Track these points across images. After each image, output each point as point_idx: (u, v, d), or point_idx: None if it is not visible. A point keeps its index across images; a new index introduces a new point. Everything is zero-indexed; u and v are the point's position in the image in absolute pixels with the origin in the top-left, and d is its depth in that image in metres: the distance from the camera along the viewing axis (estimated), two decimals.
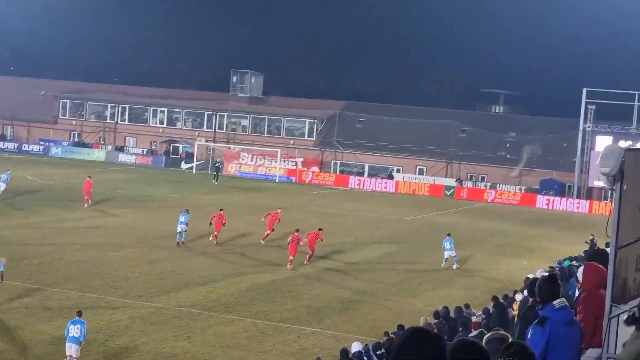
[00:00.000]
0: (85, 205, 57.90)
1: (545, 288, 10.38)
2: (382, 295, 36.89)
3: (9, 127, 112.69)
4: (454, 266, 44.86)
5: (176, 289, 35.15)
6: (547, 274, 30.99)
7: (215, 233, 47.32)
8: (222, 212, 48.44)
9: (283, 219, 50.72)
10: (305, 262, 42.91)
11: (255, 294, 35.39)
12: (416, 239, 54.36)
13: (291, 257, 41.96)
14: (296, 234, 43.35)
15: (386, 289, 38.25)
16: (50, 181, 72.80)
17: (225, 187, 77.42)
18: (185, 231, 46.93)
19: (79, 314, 25.83)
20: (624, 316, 10.60)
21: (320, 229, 44.98)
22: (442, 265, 44.76)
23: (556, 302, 10.06)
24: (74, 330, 24.85)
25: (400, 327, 26.07)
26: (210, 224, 47.73)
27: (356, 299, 35.87)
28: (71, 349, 24.71)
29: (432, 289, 39.05)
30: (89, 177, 60.26)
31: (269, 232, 48.66)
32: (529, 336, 10.07)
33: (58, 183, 71.92)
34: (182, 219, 47.24)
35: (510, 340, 12.54)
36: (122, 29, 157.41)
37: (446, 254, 44.70)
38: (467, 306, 29.30)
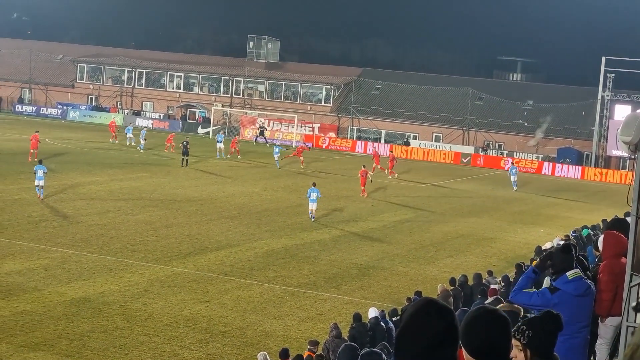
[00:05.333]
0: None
1: (558, 259, 10.31)
2: (398, 262, 36.97)
3: (27, 90, 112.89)
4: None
5: (193, 253, 35.33)
6: (562, 242, 31.02)
7: (362, 188, 56.37)
8: (365, 168, 57.87)
9: (300, 184, 50.80)
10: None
11: (272, 259, 35.52)
12: (432, 206, 54.35)
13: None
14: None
15: (402, 256, 38.31)
16: (68, 144, 73.03)
17: (242, 154, 77.46)
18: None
19: (314, 184, 46.51)
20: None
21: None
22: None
23: (569, 274, 10.00)
24: (314, 195, 44.73)
25: (417, 293, 26.15)
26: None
27: (373, 265, 35.96)
28: (313, 205, 44.91)
29: (448, 256, 39.10)
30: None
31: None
32: (536, 293, 10.05)
33: (76, 147, 72.16)
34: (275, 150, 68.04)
35: (521, 314, 12.56)
36: None
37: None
38: (490, 273, 29.29)
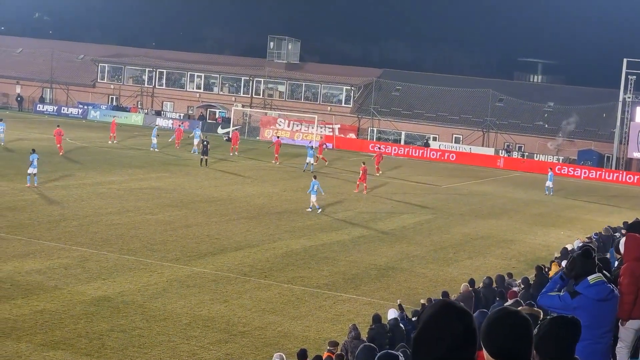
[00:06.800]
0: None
1: (580, 263, 10.22)
2: (417, 263, 36.90)
3: (49, 90, 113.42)
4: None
5: (212, 253, 35.36)
6: (582, 245, 30.92)
7: (364, 184, 57.30)
8: (364, 165, 58.28)
9: (320, 184, 51.00)
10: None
11: (291, 259, 35.51)
12: (451, 208, 54.24)
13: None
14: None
15: (421, 257, 38.25)
16: (89, 144, 73.29)
17: (261, 153, 77.59)
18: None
19: (315, 177, 49.42)
20: None
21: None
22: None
23: (591, 278, 9.89)
24: (315, 188, 47.04)
25: (445, 293, 25.93)
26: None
27: (392, 266, 35.91)
28: (314, 198, 47.18)
29: (467, 258, 39.00)
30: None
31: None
32: (558, 296, 9.97)
33: (96, 146, 72.45)
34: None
35: (541, 317, 12.47)
36: None
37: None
38: (510, 275, 29.19)
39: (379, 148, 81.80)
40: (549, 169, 69.04)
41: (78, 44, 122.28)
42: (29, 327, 23.90)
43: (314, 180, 48.48)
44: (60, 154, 62.46)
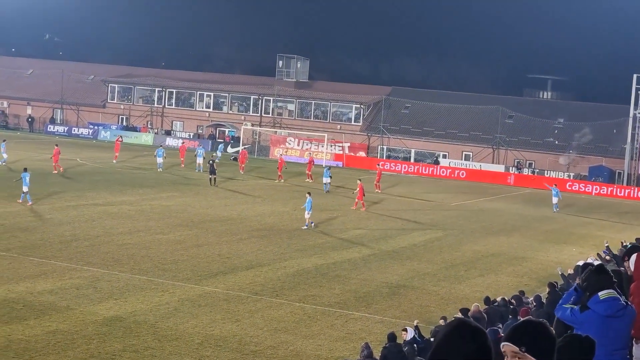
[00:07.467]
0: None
1: (592, 279, 10.16)
2: (429, 281, 36.81)
3: (59, 110, 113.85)
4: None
5: (224, 272, 35.33)
6: (584, 263, 30.73)
7: (361, 201, 57.42)
8: (361, 182, 58.24)
9: (330, 203, 50.91)
10: None
11: (302, 278, 35.47)
12: (462, 225, 54.15)
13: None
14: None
15: (433, 275, 38.16)
16: (100, 164, 73.46)
17: (271, 172, 77.63)
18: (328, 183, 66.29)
19: (309, 193, 49.55)
20: None
21: None
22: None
23: (601, 294, 9.81)
24: (308, 206, 47.42)
25: (464, 310, 25.74)
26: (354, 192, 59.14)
27: (403, 284, 35.83)
28: (308, 214, 47.62)
29: (479, 275, 38.89)
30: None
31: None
32: (571, 310, 9.92)
33: (107, 166, 72.58)
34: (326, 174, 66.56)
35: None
36: (169, 14, 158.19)
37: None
38: (522, 293, 29.12)
39: (379, 165, 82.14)
40: (554, 185, 68.63)
41: (88, 65, 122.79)
42: (41, 348, 23.90)
43: (309, 197, 48.84)
44: (54, 172, 63.16)
